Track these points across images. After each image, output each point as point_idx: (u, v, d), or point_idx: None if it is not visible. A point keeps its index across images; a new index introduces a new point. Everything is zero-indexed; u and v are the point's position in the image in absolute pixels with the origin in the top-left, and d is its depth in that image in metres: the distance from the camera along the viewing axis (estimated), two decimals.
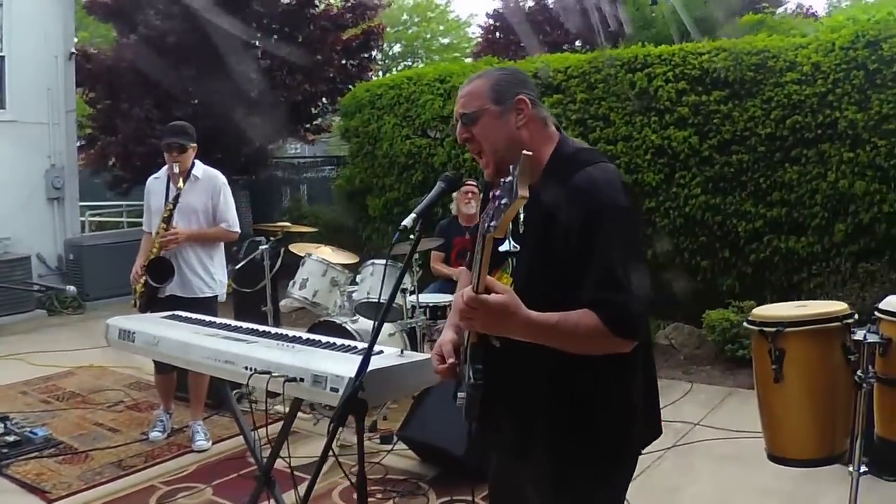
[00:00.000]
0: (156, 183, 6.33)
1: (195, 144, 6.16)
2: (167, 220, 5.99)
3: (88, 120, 15.96)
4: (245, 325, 4.36)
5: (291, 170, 18.55)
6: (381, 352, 3.41)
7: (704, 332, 8.16)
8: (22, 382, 8.07)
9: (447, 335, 2.77)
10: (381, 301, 6.66)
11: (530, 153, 1.94)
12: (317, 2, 15.98)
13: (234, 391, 6.77)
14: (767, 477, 5.16)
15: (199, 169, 6.21)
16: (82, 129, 15.42)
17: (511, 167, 1.94)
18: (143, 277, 6.05)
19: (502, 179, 1.96)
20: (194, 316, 4.80)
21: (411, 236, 2.81)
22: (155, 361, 6.16)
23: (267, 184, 17.15)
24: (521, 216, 1.94)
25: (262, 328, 4.22)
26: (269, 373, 3.31)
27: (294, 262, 7.82)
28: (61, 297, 12.43)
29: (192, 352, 3.90)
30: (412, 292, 6.87)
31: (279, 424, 5.09)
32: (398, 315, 6.85)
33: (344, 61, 16.19)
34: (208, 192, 6.17)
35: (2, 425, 6.09)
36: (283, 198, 17.30)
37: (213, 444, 6.19)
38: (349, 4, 16.28)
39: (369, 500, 5.03)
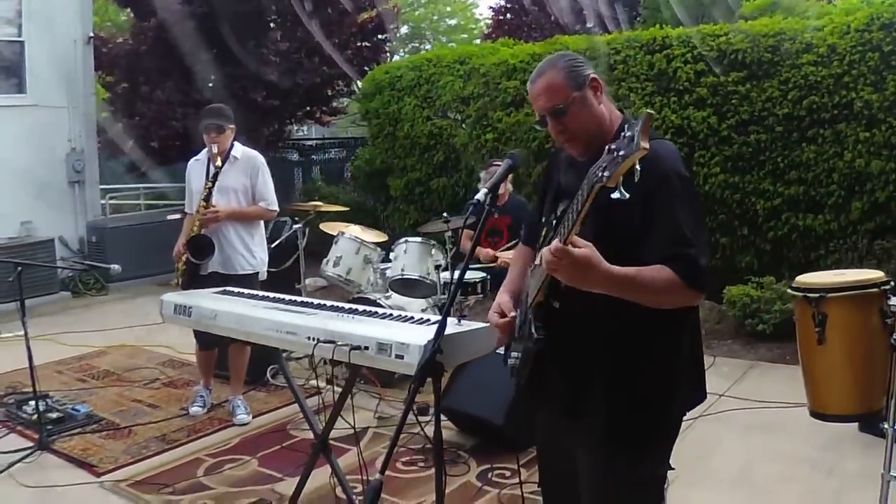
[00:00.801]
0: (196, 164, 6.46)
1: (233, 126, 6.29)
2: (206, 198, 6.14)
3: (106, 103, 16.12)
4: (298, 298, 4.52)
5: (300, 151, 18.70)
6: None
7: (725, 308, 8.29)
8: (55, 362, 8.19)
9: (504, 297, 2.98)
10: (419, 277, 6.85)
11: (652, 112, 2.11)
12: None
13: (270, 367, 6.98)
14: (793, 444, 5.39)
15: (238, 149, 6.35)
16: (100, 112, 15.55)
17: (627, 126, 2.09)
18: (185, 255, 6.21)
19: (623, 134, 2.09)
20: (246, 291, 4.96)
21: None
22: (197, 338, 6.35)
23: (282, 165, 17.32)
24: (638, 168, 2.08)
25: (316, 301, 4.37)
26: (333, 342, 3.47)
27: (315, 241, 7.95)
28: (84, 278, 12.60)
29: (253, 324, 4.05)
30: (445, 268, 7.04)
31: (315, 399, 5.28)
32: (431, 291, 7.02)
33: (360, 43, 16.32)
34: (247, 171, 6.31)
35: (43, 403, 6.18)
36: (295, 179, 17.45)
37: (253, 418, 6.36)
38: None
39: (411, 468, 5.26)
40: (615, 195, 2.12)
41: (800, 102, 8.39)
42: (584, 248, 2.34)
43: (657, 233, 2.52)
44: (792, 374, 6.44)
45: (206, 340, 6.25)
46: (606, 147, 2.13)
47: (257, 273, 6.43)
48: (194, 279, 6.17)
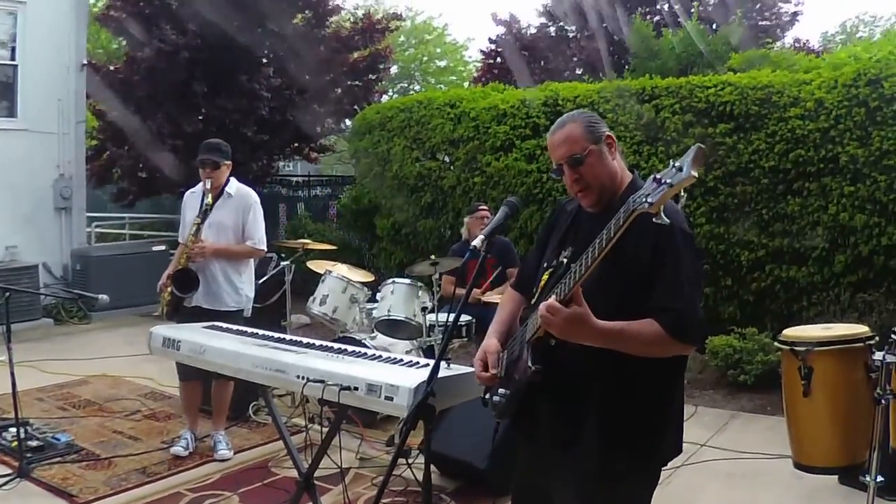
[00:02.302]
0: (192, 197, 6.47)
1: (230, 162, 6.30)
2: (195, 233, 6.12)
3: (96, 131, 16.14)
4: (287, 336, 4.54)
5: (286, 187, 18.75)
6: (428, 365, 3.58)
7: (707, 358, 8.32)
8: (36, 389, 8.15)
9: (492, 343, 3.06)
10: (405, 318, 6.87)
11: (703, 147, 2.22)
12: (327, 23, 16.26)
13: (252, 404, 6.98)
14: (774, 495, 5.41)
15: (233, 186, 6.35)
16: (89, 140, 15.58)
17: (681, 158, 2.22)
18: (170, 287, 6.19)
19: (672, 163, 2.22)
20: (235, 327, 4.96)
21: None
22: (179, 370, 6.30)
23: (269, 200, 17.34)
24: (684, 194, 2.20)
25: (305, 340, 4.38)
26: (323, 381, 3.49)
27: (300, 279, 7.92)
28: (67, 306, 12.58)
29: (242, 360, 4.06)
30: (431, 310, 7.08)
31: (297, 436, 5.27)
32: (416, 332, 7.04)
33: (351, 82, 16.44)
34: (239, 209, 6.30)
35: (23, 430, 6.14)
36: (280, 215, 17.47)
37: (235, 453, 6.31)
38: (358, 27, 16.57)
39: None
40: (657, 220, 2.24)
41: (786, 155, 8.49)
42: (578, 307, 2.52)
43: (657, 282, 2.65)
44: (773, 426, 6.52)
45: (188, 370, 6.11)
46: (651, 177, 2.26)
47: (242, 310, 6.39)
48: (178, 311, 6.17)
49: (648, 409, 2.77)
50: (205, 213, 6.16)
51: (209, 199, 6.16)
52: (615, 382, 2.72)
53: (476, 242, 3.01)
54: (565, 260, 2.81)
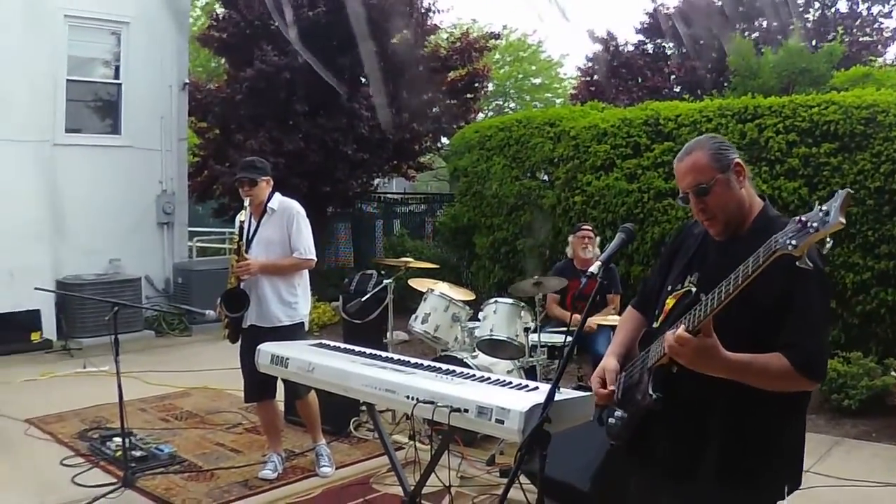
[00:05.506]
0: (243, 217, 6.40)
1: (268, 177, 6.22)
2: (237, 251, 6.10)
3: (197, 149, 16.47)
4: (394, 356, 4.57)
5: (380, 205, 18.88)
6: (537, 388, 3.57)
7: None
8: (139, 400, 8.32)
9: (611, 362, 3.07)
10: (507, 338, 6.86)
11: (850, 191, 2.20)
12: (426, 42, 16.37)
13: (353, 419, 7.01)
14: None
15: (276, 201, 6.27)
16: (191, 157, 15.91)
17: (827, 201, 2.19)
18: (220, 310, 6.18)
19: (819, 207, 2.18)
20: (341, 345, 4.99)
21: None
22: (246, 388, 6.29)
23: (365, 218, 17.50)
24: (830, 240, 2.17)
25: (413, 360, 4.40)
26: (433, 403, 3.50)
27: (397, 296, 7.95)
28: (169, 318, 12.86)
29: (351, 379, 4.09)
30: (533, 331, 7.08)
31: (398, 453, 5.27)
32: (518, 353, 7.03)
33: (448, 101, 16.52)
34: (283, 222, 6.21)
35: (128, 440, 6.18)
36: (376, 232, 17.59)
37: (336, 468, 6.33)
38: (456, 46, 16.65)
39: None
40: (800, 264, 2.21)
41: (892, 176, 8.34)
42: (707, 338, 2.49)
43: (787, 318, 2.61)
44: (878, 452, 6.36)
45: (252, 391, 6.21)
46: (796, 219, 2.22)
47: (301, 324, 6.31)
48: (237, 334, 6.18)
49: (768, 445, 2.74)
50: (240, 230, 6.18)
51: (242, 217, 6.18)
52: (736, 416, 2.69)
53: (593, 269, 3.00)
54: (692, 287, 2.80)
